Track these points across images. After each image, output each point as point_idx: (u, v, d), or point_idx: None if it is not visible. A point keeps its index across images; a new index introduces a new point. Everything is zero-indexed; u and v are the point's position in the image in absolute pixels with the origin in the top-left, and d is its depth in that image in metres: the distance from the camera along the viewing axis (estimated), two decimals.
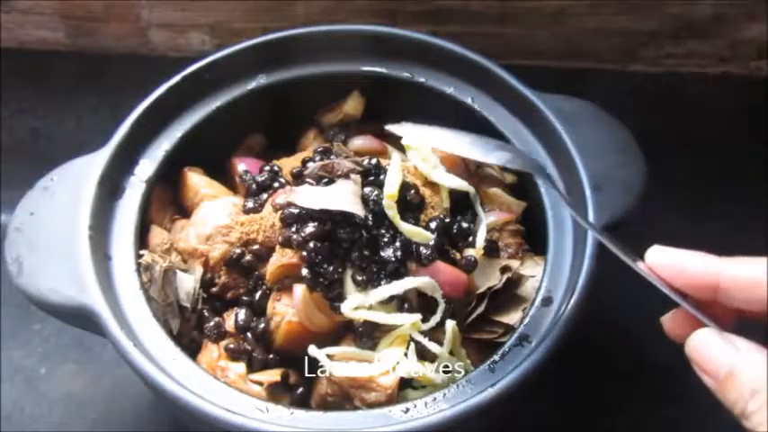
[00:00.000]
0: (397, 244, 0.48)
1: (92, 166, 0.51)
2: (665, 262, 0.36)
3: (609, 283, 0.48)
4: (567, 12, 0.71)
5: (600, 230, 0.43)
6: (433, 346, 0.47)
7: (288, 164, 0.55)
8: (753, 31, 0.71)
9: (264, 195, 0.53)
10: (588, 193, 0.50)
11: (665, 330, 0.38)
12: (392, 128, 0.54)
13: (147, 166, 0.54)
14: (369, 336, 0.47)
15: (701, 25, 0.71)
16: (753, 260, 0.34)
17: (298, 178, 0.52)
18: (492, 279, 0.51)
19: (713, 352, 0.34)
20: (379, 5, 0.69)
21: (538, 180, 0.52)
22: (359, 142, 0.57)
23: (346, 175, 0.50)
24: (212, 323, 0.50)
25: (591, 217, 0.49)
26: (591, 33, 0.72)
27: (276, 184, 0.53)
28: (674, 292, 0.36)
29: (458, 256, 0.51)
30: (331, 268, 0.47)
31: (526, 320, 0.48)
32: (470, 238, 0.52)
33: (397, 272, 0.47)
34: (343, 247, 0.47)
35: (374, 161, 0.51)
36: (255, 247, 0.50)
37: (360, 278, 0.47)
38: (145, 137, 0.54)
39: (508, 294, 0.51)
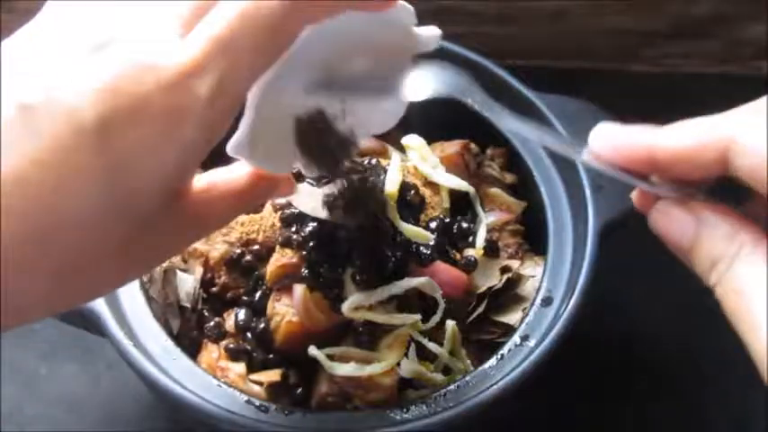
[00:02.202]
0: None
1: None
2: (604, 143, 0.33)
3: (608, 281, 0.48)
4: (567, 12, 0.71)
5: (531, 125, 0.36)
6: (433, 346, 0.47)
7: None
8: (753, 31, 0.71)
9: None
10: (588, 193, 0.50)
11: (635, 206, 0.34)
12: None
13: None
14: (369, 336, 0.47)
15: (701, 25, 0.71)
16: (682, 127, 0.31)
17: (298, 178, 0.52)
18: (492, 279, 0.51)
19: (674, 223, 0.31)
20: None
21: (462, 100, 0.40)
22: None
23: (346, 175, 0.50)
24: (212, 323, 0.50)
25: (590, 218, 0.49)
26: (591, 33, 0.72)
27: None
28: (621, 172, 0.32)
29: (458, 256, 0.51)
30: (331, 268, 0.47)
31: (526, 320, 0.48)
32: (470, 238, 0.52)
33: (397, 272, 0.47)
34: (343, 247, 0.47)
35: (374, 161, 0.51)
36: (255, 247, 0.50)
37: (360, 278, 0.47)
38: None
39: (508, 294, 0.51)
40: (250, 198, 0.37)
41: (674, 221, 0.32)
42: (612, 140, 0.33)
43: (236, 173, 0.36)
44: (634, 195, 0.34)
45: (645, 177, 0.33)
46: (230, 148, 0.35)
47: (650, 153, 0.31)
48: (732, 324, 0.29)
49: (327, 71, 0.37)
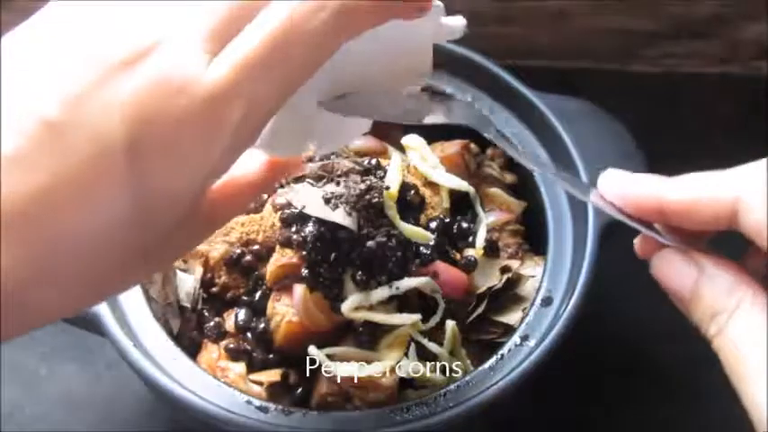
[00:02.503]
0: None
1: None
2: (612, 190, 0.34)
3: (608, 281, 0.48)
4: (568, 12, 0.70)
5: (555, 169, 0.39)
6: (433, 346, 0.47)
7: None
8: (753, 31, 0.70)
9: (264, 195, 0.53)
10: None
11: (637, 253, 0.35)
12: None
13: None
14: (369, 336, 0.47)
15: (701, 25, 0.71)
16: (691, 180, 0.32)
17: (298, 178, 0.52)
18: (492, 279, 0.51)
19: (675, 272, 0.32)
20: None
21: (485, 134, 0.41)
22: (359, 142, 0.57)
23: (346, 175, 0.50)
24: (212, 323, 0.50)
25: (590, 218, 0.49)
26: (591, 33, 0.72)
27: (276, 184, 0.53)
28: (628, 218, 0.33)
29: (458, 256, 0.51)
30: (331, 268, 0.47)
31: (526, 320, 0.48)
32: (470, 238, 0.52)
33: (397, 272, 0.47)
34: (343, 247, 0.47)
35: (374, 161, 0.51)
36: (255, 247, 0.50)
37: (360, 278, 0.47)
38: None
39: (508, 294, 0.51)
40: (264, 186, 0.37)
41: (675, 271, 0.32)
42: (621, 188, 0.33)
43: (246, 164, 0.35)
44: (637, 242, 0.35)
45: (649, 225, 0.33)
46: None
47: (659, 204, 0.32)
48: (728, 375, 0.30)
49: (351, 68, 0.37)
